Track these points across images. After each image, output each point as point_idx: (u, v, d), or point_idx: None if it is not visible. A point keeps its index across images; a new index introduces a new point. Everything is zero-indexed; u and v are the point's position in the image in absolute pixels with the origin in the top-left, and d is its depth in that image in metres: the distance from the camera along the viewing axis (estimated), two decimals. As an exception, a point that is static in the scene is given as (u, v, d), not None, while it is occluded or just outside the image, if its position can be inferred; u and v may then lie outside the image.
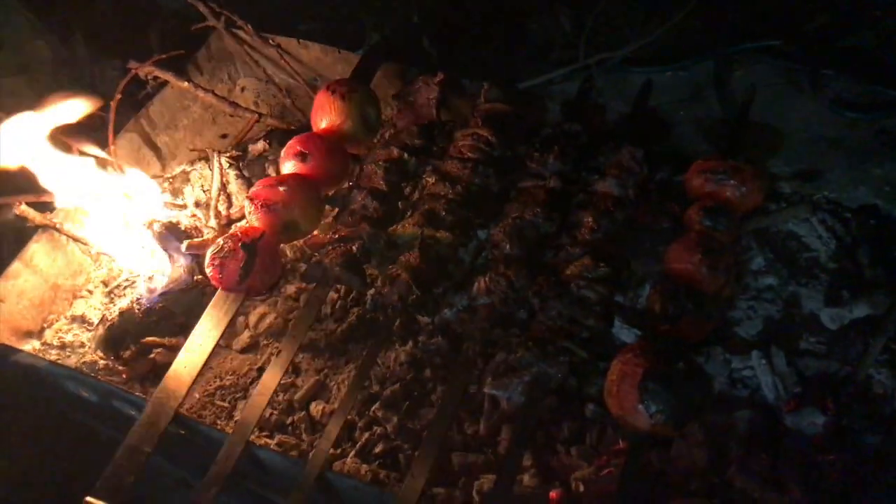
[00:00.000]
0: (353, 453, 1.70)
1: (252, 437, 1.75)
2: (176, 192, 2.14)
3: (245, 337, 1.98)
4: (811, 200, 1.94)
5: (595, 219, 1.73)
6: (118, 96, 2.15)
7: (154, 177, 2.22)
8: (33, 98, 2.47)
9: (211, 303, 1.76)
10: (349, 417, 1.77)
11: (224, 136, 2.44)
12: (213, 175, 2.07)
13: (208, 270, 1.77)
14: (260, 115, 2.31)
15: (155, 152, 2.30)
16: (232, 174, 2.14)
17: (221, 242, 1.77)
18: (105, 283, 2.13)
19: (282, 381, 1.87)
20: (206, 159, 2.17)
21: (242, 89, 2.53)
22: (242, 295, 1.77)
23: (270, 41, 2.32)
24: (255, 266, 1.75)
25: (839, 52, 2.22)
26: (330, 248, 1.81)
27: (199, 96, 2.28)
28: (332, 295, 2.00)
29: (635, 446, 1.50)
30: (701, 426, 1.62)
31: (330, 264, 1.78)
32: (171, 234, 1.98)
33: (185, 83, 2.24)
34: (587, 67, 2.19)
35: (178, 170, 2.19)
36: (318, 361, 1.92)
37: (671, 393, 1.44)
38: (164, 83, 2.29)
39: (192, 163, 2.20)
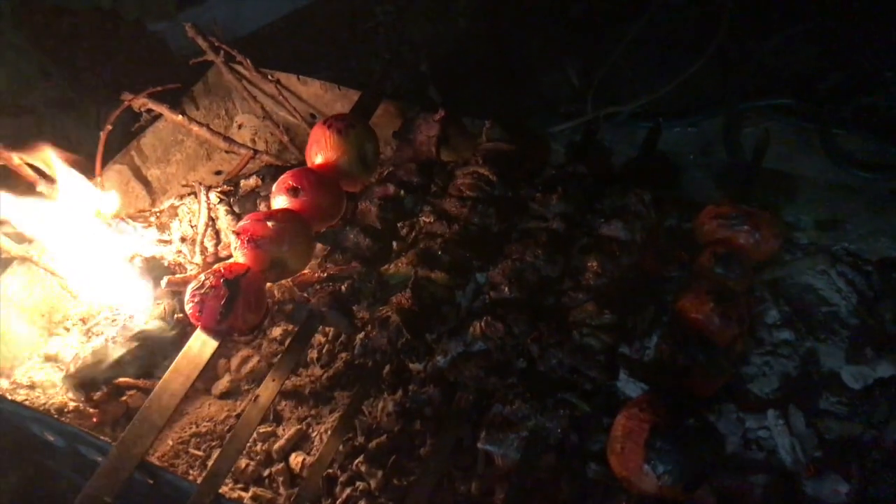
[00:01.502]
0: (332, 510, 1.57)
1: (224, 489, 1.63)
2: (163, 227, 2.05)
3: (225, 381, 1.86)
4: (830, 251, 1.83)
5: (600, 263, 1.63)
6: (108, 127, 2.09)
7: (141, 211, 2.14)
8: (38, 139, 2.43)
9: (188, 342, 1.65)
10: (330, 471, 1.64)
11: (218, 173, 2.37)
12: (199, 209, 1.98)
13: (188, 307, 1.66)
14: (255, 151, 2.24)
15: (145, 186, 2.22)
16: (222, 210, 2.05)
17: (203, 278, 1.67)
18: (84, 321, 2.02)
19: (261, 430, 1.75)
20: (196, 194, 2.08)
21: (240, 126, 2.46)
22: (222, 335, 1.66)
23: (269, 76, 2.26)
24: (237, 304, 1.64)
25: (851, 111, 2.16)
26: (318, 287, 1.71)
27: (193, 130, 2.21)
28: (319, 338, 1.89)
29: (640, 511, 1.36)
30: (713, 490, 1.48)
31: (317, 304, 1.68)
32: (153, 270, 1.88)
33: (179, 116, 2.18)
34: (595, 120, 2.13)
35: (166, 204, 2.11)
36: (300, 409, 1.80)
37: (681, 452, 1.31)
38: (158, 116, 2.22)
39: (181, 197, 2.11)
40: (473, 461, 1.60)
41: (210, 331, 1.65)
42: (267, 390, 1.59)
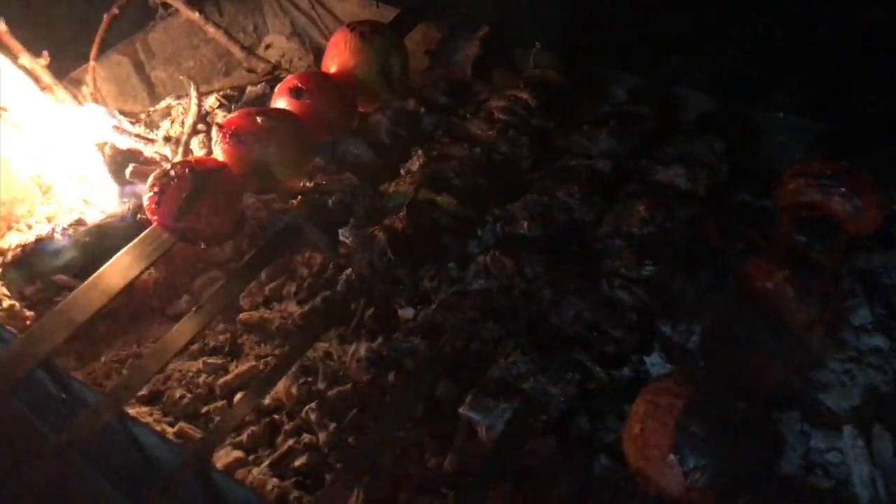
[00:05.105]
0: (267, 462, 1.25)
1: (148, 419, 1.33)
2: (152, 126, 1.79)
3: (182, 302, 1.58)
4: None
5: (649, 208, 1.29)
6: (115, 11, 1.85)
7: (134, 112, 1.89)
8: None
9: (138, 237, 1.38)
10: (276, 417, 1.33)
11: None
12: (189, 105, 1.71)
13: (145, 198, 1.39)
14: (275, 66, 1.98)
15: (146, 86, 1.98)
16: (221, 115, 1.79)
17: (168, 167, 1.39)
18: (49, 220, 1.76)
19: (209, 361, 1.46)
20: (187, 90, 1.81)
21: (267, 47, 2.21)
22: (180, 235, 1.38)
23: (304, -14, 2.02)
24: (201, 201, 1.36)
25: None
26: (301, 196, 1.41)
27: (209, 33, 1.96)
28: (302, 272, 1.59)
29: (657, 519, 1.01)
30: (758, 513, 1.11)
31: (296, 215, 1.38)
32: (126, 165, 1.62)
33: (196, 14, 1.93)
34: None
35: (162, 104, 1.85)
36: (263, 347, 1.50)
37: (722, 444, 0.96)
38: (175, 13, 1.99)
39: (178, 97, 1.85)
40: (453, 430, 1.27)
41: (166, 228, 1.38)
42: (213, 302, 1.29)
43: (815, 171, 1.31)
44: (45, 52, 1.74)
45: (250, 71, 2.10)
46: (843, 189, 1.28)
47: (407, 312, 1.43)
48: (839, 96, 1.58)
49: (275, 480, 1.20)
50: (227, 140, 1.45)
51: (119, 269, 1.33)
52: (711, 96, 1.62)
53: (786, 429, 1.24)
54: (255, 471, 1.22)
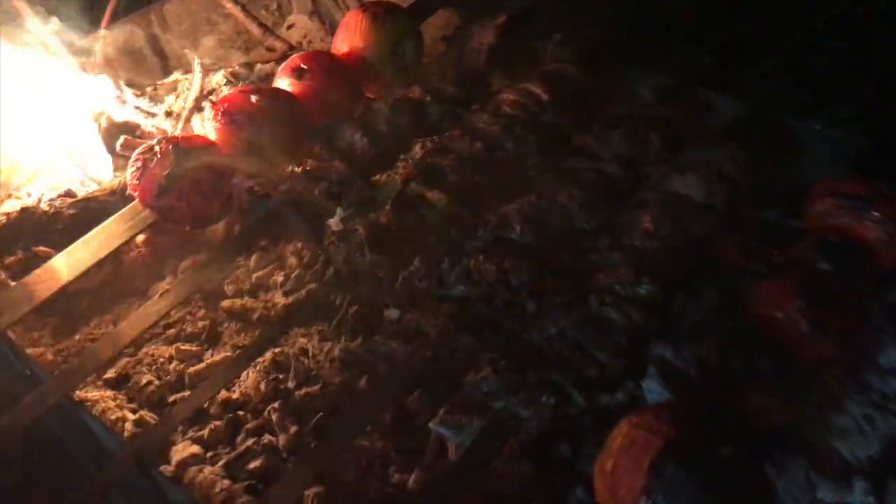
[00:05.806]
0: (223, 461, 1.17)
1: (111, 403, 1.27)
2: (157, 101, 1.74)
3: (165, 284, 1.52)
4: None
5: (655, 220, 1.17)
6: (129, -22, 1.80)
7: (144, 84, 1.84)
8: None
9: (117, 214, 1.32)
10: (240, 414, 1.25)
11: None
12: (192, 81, 1.64)
13: (128, 173, 1.33)
14: (292, 46, 1.90)
15: (159, 59, 1.93)
16: (226, 92, 1.72)
17: (154, 142, 1.33)
18: (50, 189, 1.73)
19: (182, 347, 1.39)
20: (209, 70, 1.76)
21: (290, 27, 2.13)
22: (160, 214, 1.31)
23: (328, -34, 1.94)
24: (182, 180, 1.29)
25: None
26: (288, 182, 1.33)
27: (226, 8, 1.89)
28: (292, 261, 1.52)
29: (622, 568, 0.90)
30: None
31: (278, 202, 1.31)
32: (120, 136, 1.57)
33: (212, -14, 1.87)
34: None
35: (170, 78, 1.79)
36: (242, 336, 1.42)
37: (701, 491, 0.85)
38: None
39: (187, 72, 1.79)
40: (423, 446, 1.17)
41: (146, 205, 1.32)
42: (180, 288, 1.22)
43: (848, 192, 1.18)
44: (55, 19, 1.70)
45: (270, 50, 2.03)
46: (877, 214, 1.14)
47: (392, 313, 1.34)
48: (887, 110, 1.44)
49: (225, 482, 1.12)
50: (219, 118, 1.37)
51: (92, 246, 1.27)
52: (743, 101, 1.49)
53: (788, 475, 1.11)
54: (208, 470, 1.15)
